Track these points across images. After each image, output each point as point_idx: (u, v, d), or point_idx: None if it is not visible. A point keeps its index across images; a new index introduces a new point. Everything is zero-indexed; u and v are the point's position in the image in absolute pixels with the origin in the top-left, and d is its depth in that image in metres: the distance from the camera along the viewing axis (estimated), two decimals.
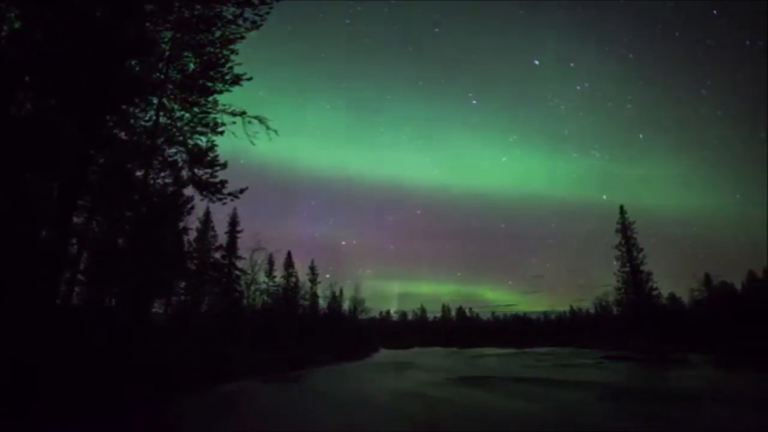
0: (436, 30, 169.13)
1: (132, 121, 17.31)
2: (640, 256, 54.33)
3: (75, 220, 15.55)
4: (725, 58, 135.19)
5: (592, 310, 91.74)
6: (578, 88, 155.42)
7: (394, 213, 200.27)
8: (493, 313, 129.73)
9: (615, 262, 55.58)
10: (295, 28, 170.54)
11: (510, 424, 10.82)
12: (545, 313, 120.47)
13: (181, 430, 11.16)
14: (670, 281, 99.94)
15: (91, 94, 12.49)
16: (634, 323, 52.95)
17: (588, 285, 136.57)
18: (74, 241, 16.62)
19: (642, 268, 54.21)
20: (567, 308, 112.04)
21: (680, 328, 50.52)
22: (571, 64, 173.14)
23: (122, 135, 17.01)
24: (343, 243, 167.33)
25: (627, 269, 54.84)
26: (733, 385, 20.08)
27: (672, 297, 64.01)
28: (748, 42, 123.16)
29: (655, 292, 54.14)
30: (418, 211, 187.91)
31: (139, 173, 18.71)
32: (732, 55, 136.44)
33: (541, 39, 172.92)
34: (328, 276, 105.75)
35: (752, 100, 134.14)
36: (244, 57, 18.46)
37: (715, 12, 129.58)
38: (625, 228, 55.47)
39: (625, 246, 55.09)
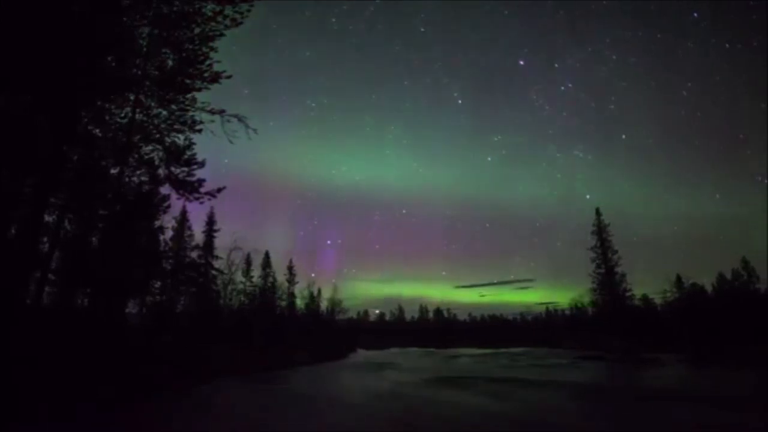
0: (422, 29, 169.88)
1: (107, 117, 16.95)
2: (615, 257, 55.47)
3: (46, 218, 15.20)
4: (705, 60, 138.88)
5: (567, 311, 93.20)
6: (562, 88, 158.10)
7: (379, 212, 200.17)
8: (470, 314, 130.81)
9: (591, 264, 56.75)
10: (280, 25, 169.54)
11: (485, 424, 10.97)
12: (522, 314, 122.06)
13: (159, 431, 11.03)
14: (650, 279, 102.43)
15: (66, 90, 12.23)
16: (608, 324, 53.99)
17: (571, 284, 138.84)
18: (45, 239, 16.24)
19: (617, 269, 55.35)
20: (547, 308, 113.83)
21: (653, 328, 51.72)
22: (556, 65, 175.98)
23: (97, 132, 16.67)
24: (328, 242, 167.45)
25: (602, 270, 55.91)
26: (699, 384, 20.65)
27: (645, 298, 65.36)
28: (727, 45, 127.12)
29: (629, 293, 55.38)
30: (404, 211, 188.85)
31: (113, 171, 18.35)
32: (712, 57, 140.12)
33: (526, 40, 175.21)
34: (313, 275, 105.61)
35: (731, 102, 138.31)
36: (226, 55, 18.25)
37: (695, 15, 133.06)
38: (600, 230, 56.55)
39: (600, 248, 56.16)
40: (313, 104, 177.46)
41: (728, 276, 57.66)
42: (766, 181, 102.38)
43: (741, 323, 41.54)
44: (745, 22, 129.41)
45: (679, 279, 56.20)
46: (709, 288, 59.08)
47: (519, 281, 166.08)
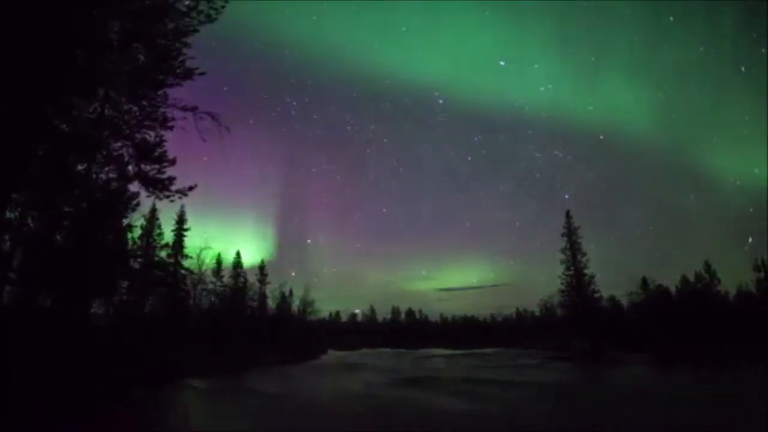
0: (403, 28, 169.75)
1: (75, 112, 16.44)
2: (584, 260, 56.73)
3: (8, 215, 14.71)
4: (680, 63, 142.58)
5: (537, 312, 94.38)
6: (542, 89, 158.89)
7: (359, 212, 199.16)
8: (441, 314, 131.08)
9: (561, 265, 57.88)
10: (260, 23, 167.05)
11: (457, 424, 11.07)
12: (492, 315, 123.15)
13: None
14: (624, 280, 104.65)
15: (32, 84, 11.83)
16: (577, 325, 55.11)
17: (550, 285, 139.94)
18: (7, 237, 15.73)
19: (585, 271, 56.58)
20: (531, 309, 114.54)
21: (620, 329, 52.87)
22: (535, 66, 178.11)
23: (64, 126, 16.15)
24: (308, 242, 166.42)
25: (571, 272, 57.08)
26: (670, 383, 21.29)
27: (612, 299, 66.77)
28: (701, 48, 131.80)
29: (597, 295, 56.67)
30: (384, 210, 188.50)
31: (80, 167, 17.85)
32: (687, 59, 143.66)
33: (507, 40, 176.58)
34: (293, 274, 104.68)
35: (705, 104, 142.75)
36: (204, 51, 17.94)
37: (671, 18, 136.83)
38: (570, 232, 57.73)
39: (570, 250, 57.33)
40: (294, 102, 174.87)
41: (691, 278, 59.41)
42: (738, 183, 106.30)
43: (704, 324, 42.88)
44: (717, 25, 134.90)
45: (644, 280, 57.67)
46: (673, 290, 60.70)
47: (497, 285, 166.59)
